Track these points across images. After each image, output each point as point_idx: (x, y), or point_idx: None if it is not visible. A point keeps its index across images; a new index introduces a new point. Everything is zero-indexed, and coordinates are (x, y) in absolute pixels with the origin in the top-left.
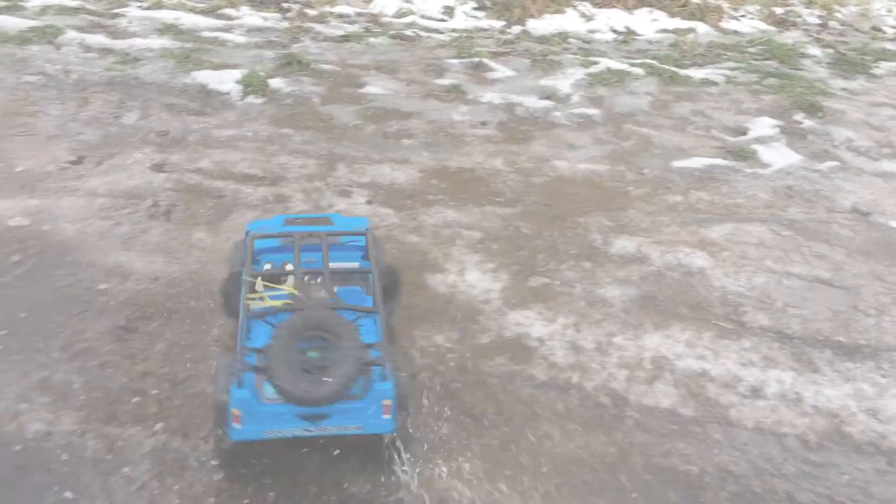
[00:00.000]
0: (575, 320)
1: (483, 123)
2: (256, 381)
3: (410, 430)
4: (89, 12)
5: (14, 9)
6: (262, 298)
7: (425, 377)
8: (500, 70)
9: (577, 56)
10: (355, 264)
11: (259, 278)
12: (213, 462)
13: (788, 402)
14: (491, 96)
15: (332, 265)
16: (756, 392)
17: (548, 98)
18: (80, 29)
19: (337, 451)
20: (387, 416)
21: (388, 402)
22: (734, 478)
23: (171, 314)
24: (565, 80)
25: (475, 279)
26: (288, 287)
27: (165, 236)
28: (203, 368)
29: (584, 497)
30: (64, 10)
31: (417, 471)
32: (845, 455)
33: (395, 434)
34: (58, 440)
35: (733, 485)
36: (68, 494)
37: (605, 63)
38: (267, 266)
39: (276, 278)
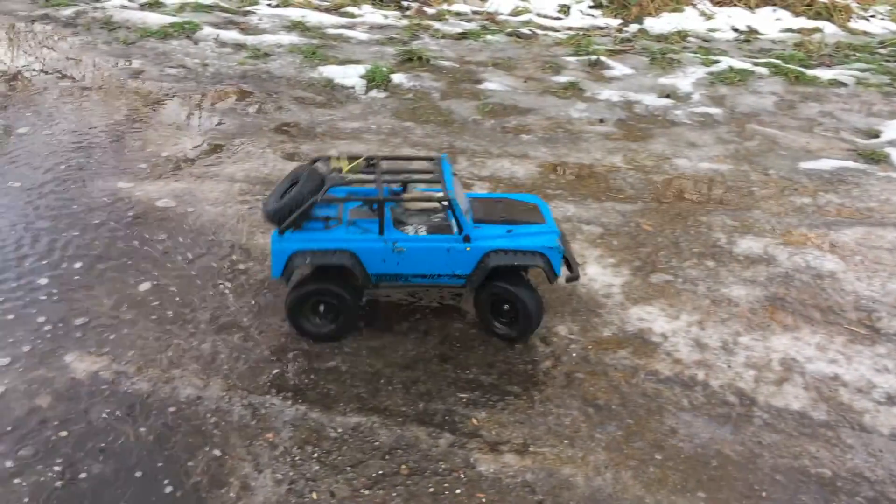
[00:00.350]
0: (699, 318)
1: (601, 120)
2: None
3: (532, 416)
4: (223, 9)
5: (156, 6)
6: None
7: (548, 365)
8: (618, 68)
9: (697, 55)
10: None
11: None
12: (348, 434)
13: None
14: (609, 94)
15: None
16: (892, 399)
17: (667, 96)
18: (216, 25)
19: (469, 428)
20: None
21: None
22: (869, 483)
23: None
24: (685, 79)
25: (596, 273)
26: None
27: None
28: (335, 345)
29: (711, 492)
30: (200, 8)
31: (541, 455)
32: None
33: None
34: (207, 405)
35: (868, 490)
36: (217, 452)
37: (726, 62)
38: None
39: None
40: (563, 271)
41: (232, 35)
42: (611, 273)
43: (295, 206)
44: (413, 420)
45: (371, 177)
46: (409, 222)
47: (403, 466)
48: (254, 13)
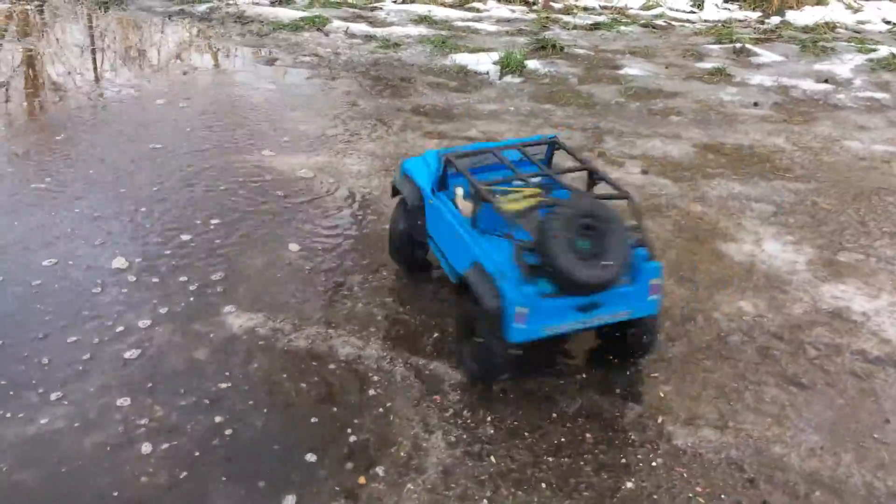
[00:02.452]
0: None
1: (756, 104)
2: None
3: (726, 391)
4: (350, 5)
5: (285, 2)
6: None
7: (737, 340)
8: (766, 55)
9: (851, 43)
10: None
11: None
12: (520, 399)
13: None
14: (760, 79)
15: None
16: None
17: (825, 81)
18: (344, 19)
19: (655, 399)
20: (653, 297)
21: (656, 281)
22: None
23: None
24: (843, 66)
25: (775, 250)
26: (527, 190)
27: None
28: None
29: None
30: (328, 4)
31: (744, 432)
32: None
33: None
34: (368, 364)
35: None
36: (381, 411)
37: (886, 49)
38: (458, 190)
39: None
40: None
41: (361, 27)
42: (792, 250)
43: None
44: (591, 388)
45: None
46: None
47: (588, 434)
48: (380, 8)
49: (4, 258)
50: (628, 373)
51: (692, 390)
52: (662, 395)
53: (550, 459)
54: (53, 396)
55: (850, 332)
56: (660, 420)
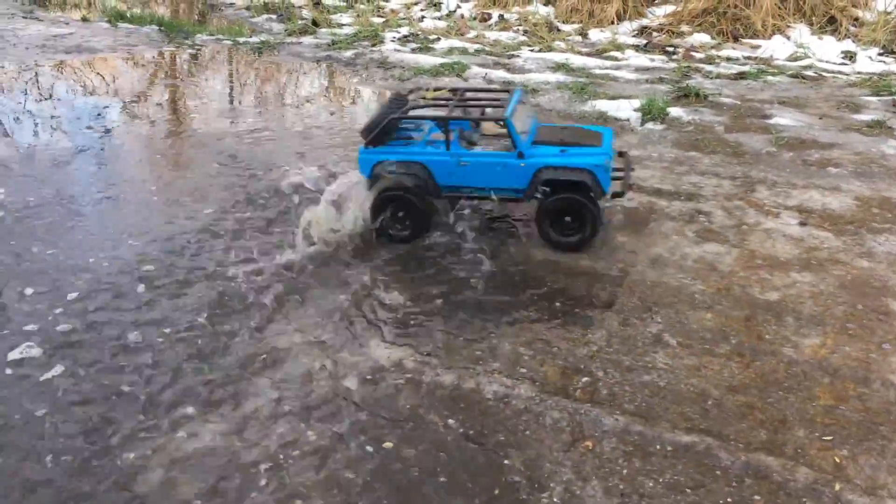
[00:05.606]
0: None
1: None
2: None
3: None
4: (488, 53)
5: (426, 49)
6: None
7: None
8: None
9: None
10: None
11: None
12: (681, 453)
13: None
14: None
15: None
16: None
17: None
18: (482, 66)
19: (829, 464)
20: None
21: None
22: None
23: (605, 308)
24: None
25: None
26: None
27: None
28: (648, 360)
29: None
30: (466, 52)
31: None
32: None
33: None
34: (516, 404)
35: None
36: (531, 454)
37: None
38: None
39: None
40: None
41: (499, 73)
42: None
43: (378, 123)
44: (758, 448)
45: (450, 103)
46: (479, 143)
47: (756, 497)
48: (518, 56)
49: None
50: (792, 436)
51: (870, 458)
52: (838, 460)
53: None
54: None
55: None
56: (837, 487)
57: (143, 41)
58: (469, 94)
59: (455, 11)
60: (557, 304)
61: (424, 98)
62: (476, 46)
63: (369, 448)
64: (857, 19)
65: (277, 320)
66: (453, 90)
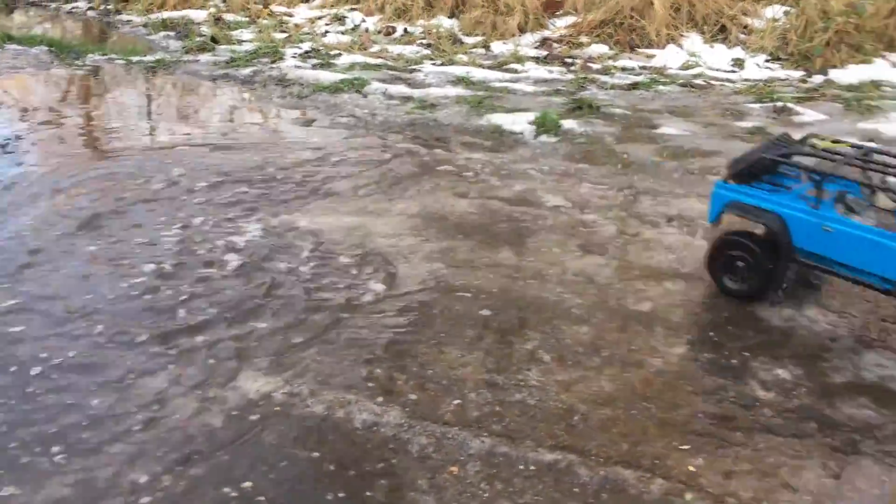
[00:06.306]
0: None
1: None
2: None
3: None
4: (390, 68)
5: (327, 66)
6: None
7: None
8: (808, 113)
9: None
10: None
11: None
12: (543, 471)
13: None
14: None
15: None
16: None
17: (870, 140)
18: (383, 81)
19: (684, 474)
20: None
21: None
22: None
23: (483, 327)
24: (889, 124)
25: None
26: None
27: (471, 254)
28: (520, 378)
29: None
30: (368, 67)
31: None
32: None
33: None
34: (384, 432)
35: None
36: (395, 483)
37: None
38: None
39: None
40: None
41: (399, 89)
42: None
43: (749, 159)
44: (617, 462)
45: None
46: (862, 214)
47: None
48: (419, 70)
49: None
50: (651, 448)
51: (724, 465)
52: (693, 469)
53: None
54: None
55: None
56: (688, 497)
57: (31, 63)
58: (877, 157)
59: (360, 25)
60: (436, 326)
61: (814, 147)
62: (378, 61)
63: (228, 491)
64: (746, 27)
65: None
66: (857, 146)
